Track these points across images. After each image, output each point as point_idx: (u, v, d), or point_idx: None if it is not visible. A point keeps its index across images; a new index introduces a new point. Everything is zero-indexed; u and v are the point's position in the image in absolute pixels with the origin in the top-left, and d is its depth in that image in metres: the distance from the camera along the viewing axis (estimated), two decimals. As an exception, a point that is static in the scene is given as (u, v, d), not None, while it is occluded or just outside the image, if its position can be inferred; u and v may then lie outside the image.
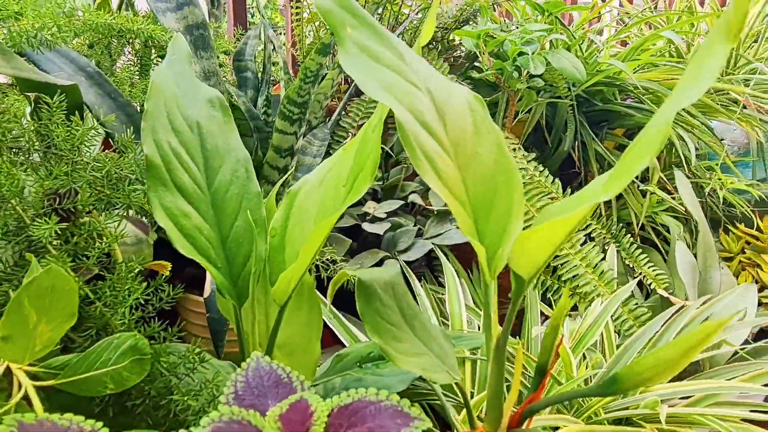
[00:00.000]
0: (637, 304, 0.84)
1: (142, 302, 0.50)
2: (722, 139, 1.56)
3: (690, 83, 0.28)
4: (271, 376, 0.39)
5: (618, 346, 0.78)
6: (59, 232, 0.50)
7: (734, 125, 1.41)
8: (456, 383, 0.43)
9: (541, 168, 1.08)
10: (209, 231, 0.50)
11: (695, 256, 1.11)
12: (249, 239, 0.51)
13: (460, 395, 0.48)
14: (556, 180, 1.08)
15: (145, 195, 0.54)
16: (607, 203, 1.33)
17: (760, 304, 1.34)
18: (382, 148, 1.08)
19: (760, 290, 1.34)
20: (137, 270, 0.55)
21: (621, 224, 1.11)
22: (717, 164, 1.31)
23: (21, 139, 0.55)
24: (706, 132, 1.29)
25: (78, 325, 0.52)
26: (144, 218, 0.63)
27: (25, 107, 0.66)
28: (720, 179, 1.28)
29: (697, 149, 1.46)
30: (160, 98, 0.49)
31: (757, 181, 1.51)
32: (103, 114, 0.70)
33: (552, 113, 1.34)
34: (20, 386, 0.38)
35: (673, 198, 1.26)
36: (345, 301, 0.72)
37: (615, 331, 0.81)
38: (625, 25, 1.51)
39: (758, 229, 1.37)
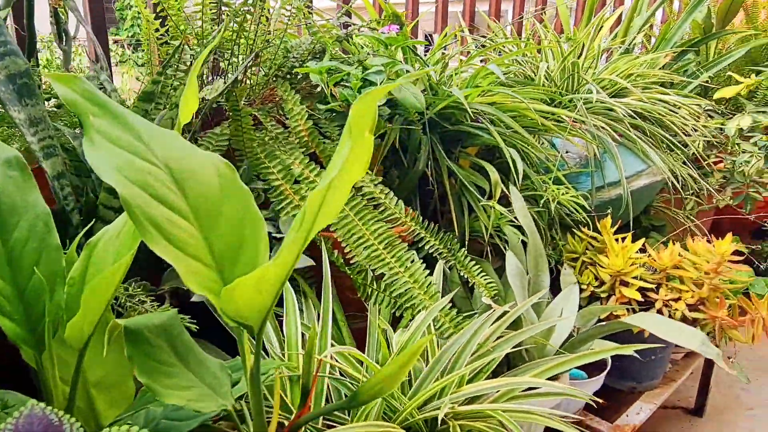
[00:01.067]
0: (458, 312, 0.95)
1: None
2: (567, 152, 1.75)
3: (330, 173, 0.37)
4: (42, 422, 0.44)
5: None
6: None
7: (578, 140, 1.58)
8: (226, 409, 0.50)
9: (386, 191, 1.18)
10: (3, 285, 0.53)
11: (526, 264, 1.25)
12: (44, 292, 0.55)
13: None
14: (400, 201, 1.18)
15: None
16: (461, 216, 1.46)
17: (595, 299, 1.52)
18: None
19: (599, 286, 1.52)
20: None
21: (452, 237, 1.23)
22: (550, 177, 1.47)
23: None
24: (537, 148, 1.45)
25: None
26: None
27: None
28: (553, 191, 1.44)
29: (544, 163, 1.63)
30: (-53, 165, 0.52)
31: (597, 188, 1.70)
32: None
33: (407, 135, 1.46)
34: None
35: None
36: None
37: (437, 338, 0.92)
38: (471, 53, 1.65)
39: (597, 231, 1.55)
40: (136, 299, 0.68)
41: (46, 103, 0.81)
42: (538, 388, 0.88)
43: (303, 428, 0.52)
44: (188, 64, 1.16)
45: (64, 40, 1.17)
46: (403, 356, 0.46)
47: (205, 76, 1.25)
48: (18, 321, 0.54)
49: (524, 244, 1.35)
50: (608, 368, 1.32)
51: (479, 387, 0.83)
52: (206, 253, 0.44)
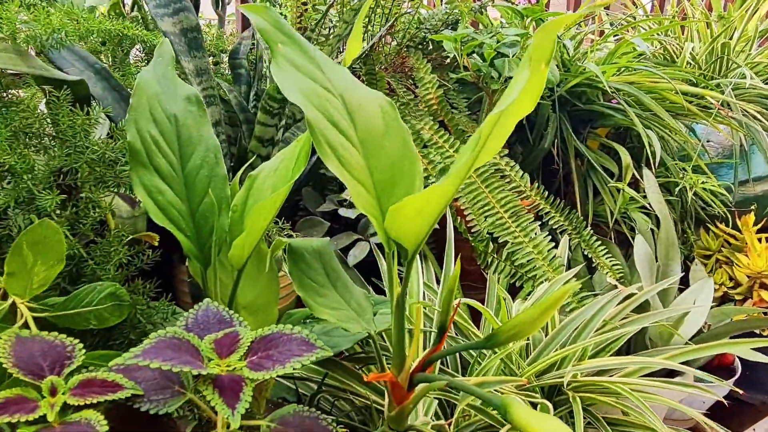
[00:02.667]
0: (582, 288, 0.92)
1: (125, 262, 0.61)
2: (708, 141, 1.62)
3: (505, 99, 0.37)
4: (216, 316, 0.49)
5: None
6: (61, 203, 0.61)
7: (722, 128, 1.46)
8: (369, 334, 0.53)
9: (512, 164, 1.16)
10: (181, 206, 0.60)
11: (655, 251, 1.18)
12: (214, 214, 0.61)
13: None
14: (525, 174, 1.16)
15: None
16: (585, 198, 1.41)
17: (728, 301, 1.41)
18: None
19: (734, 287, 1.41)
20: (128, 238, 0.66)
21: (586, 215, 1.19)
22: (689, 166, 1.37)
23: (34, 125, 0.66)
24: (680, 133, 1.36)
25: (74, 281, 0.63)
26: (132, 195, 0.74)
27: (41, 98, 0.77)
28: (691, 179, 1.35)
29: (681, 151, 1.52)
30: (143, 95, 0.60)
31: (739, 182, 1.56)
32: (110, 104, 0.81)
33: (534, 112, 1.42)
34: (22, 316, 0.49)
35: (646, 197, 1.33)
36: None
37: (559, 312, 0.90)
38: (608, 32, 1.57)
39: (736, 229, 1.43)
40: (285, 233, 0.73)
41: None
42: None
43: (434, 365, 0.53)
44: (329, 30, 1.22)
45: (220, 5, 1.27)
46: (545, 301, 0.46)
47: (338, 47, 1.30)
48: (190, 238, 0.61)
49: (652, 233, 1.27)
50: (737, 376, 1.22)
51: (603, 362, 0.80)
52: (368, 180, 0.47)
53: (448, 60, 1.42)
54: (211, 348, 0.43)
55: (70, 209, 0.64)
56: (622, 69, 1.40)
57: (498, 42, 1.16)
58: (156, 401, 0.43)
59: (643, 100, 1.34)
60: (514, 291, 1.05)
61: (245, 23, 1.43)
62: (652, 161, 1.25)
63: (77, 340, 0.44)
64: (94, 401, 0.39)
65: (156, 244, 0.75)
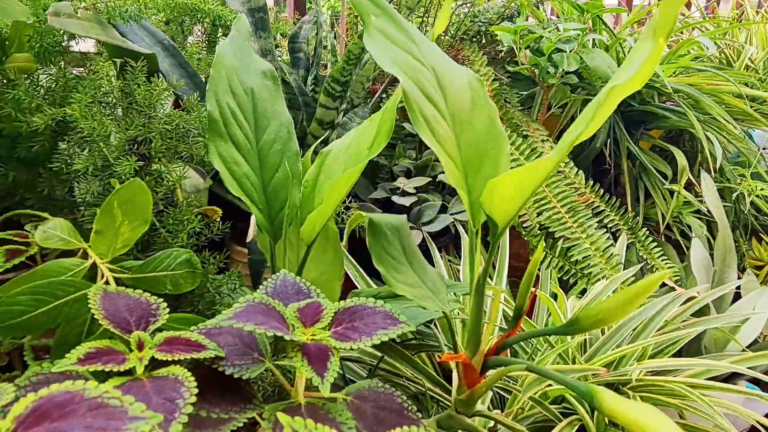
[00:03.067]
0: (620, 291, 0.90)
1: (197, 231, 0.61)
2: (765, 148, 1.57)
3: (623, 72, 0.36)
4: (294, 287, 0.49)
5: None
6: (135, 170, 0.62)
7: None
8: (444, 313, 0.52)
9: (567, 159, 1.14)
10: (254, 178, 0.60)
11: (712, 256, 1.15)
12: (286, 188, 0.61)
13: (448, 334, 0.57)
14: (580, 171, 1.14)
15: (205, 147, 0.66)
16: (636, 201, 1.38)
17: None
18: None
19: (787, 300, 1.36)
20: (198, 209, 0.67)
21: (636, 216, 1.16)
22: (749, 172, 1.33)
23: (109, 95, 0.67)
24: (739, 138, 1.32)
25: (146, 249, 0.64)
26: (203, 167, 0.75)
27: (111, 70, 0.79)
28: (749, 185, 1.30)
29: (738, 156, 1.48)
30: (222, 68, 0.60)
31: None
32: (175, 80, 0.82)
33: (587, 110, 1.39)
34: (102, 277, 0.49)
35: (701, 201, 1.29)
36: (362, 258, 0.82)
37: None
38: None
39: (791, 241, 1.38)
40: (351, 211, 0.73)
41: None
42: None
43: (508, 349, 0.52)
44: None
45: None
46: (633, 289, 0.45)
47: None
48: (262, 210, 0.61)
49: (707, 239, 1.24)
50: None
51: (666, 362, 0.78)
52: (457, 154, 0.46)
53: (502, 54, 1.40)
54: (295, 316, 0.43)
55: (143, 178, 0.64)
56: (678, 70, 1.36)
57: (558, 36, 1.14)
58: (239, 366, 0.43)
59: (702, 103, 1.31)
60: (563, 287, 1.03)
61: (298, 8, 1.43)
62: (711, 165, 1.22)
63: (161, 299, 0.45)
64: (180, 358, 0.39)
65: (218, 219, 0.76)
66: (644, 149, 1.43)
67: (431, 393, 0.71)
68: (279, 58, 1.13)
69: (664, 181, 1.31)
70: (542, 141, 1.18)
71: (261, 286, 0.48)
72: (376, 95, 1.10)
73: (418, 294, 0.50)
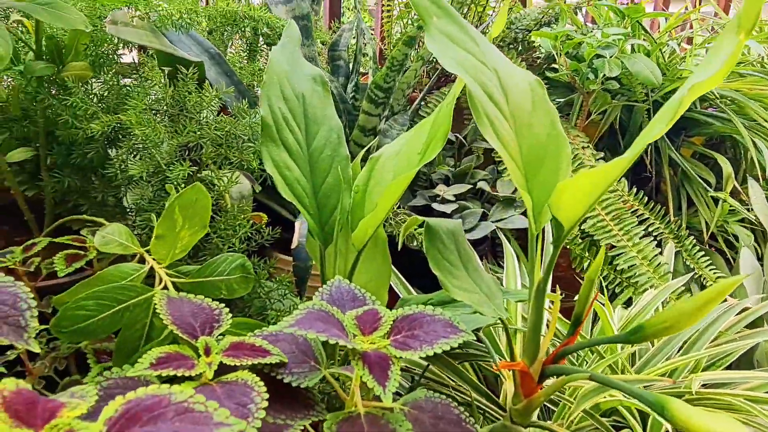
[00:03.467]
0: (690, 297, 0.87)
1: (248, 236, 0.61)
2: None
3: (704, 68, 0.35)
4: (350, 293, 0.49)
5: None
6: (189, 175, 0.62)
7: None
8: (501, 319, 0.51)
9: (609, 166, 1.12)
10: (305, 183, 0.60)
11: (762, 265, 1.11)
12: (336, 193, 0.61)
13: (504, 340, 0.56)
14: (623, 179, 1.11)
15: (255, 153, 0.66)
16: (678, 209, 1.34)
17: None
18: (456, 137, 1.16)
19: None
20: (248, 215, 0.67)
21: (681, 224, 1.14)
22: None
23: (161, 102, 0.68)
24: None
25: (195, 254, 0.65)
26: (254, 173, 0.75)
27: (162, 78, 0.80)
28: (799, 193, 1.26)
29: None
30: (275, 73, 0.60)
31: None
32: (224, 87, 0.83)
33: (627, 117, 1.37)
34: (161, 281, 0.50)
35: (748, 210, 1.26)
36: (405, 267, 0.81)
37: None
38: (713, 34, 1.50)
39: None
40: (399, 217, 0.72)
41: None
42: None
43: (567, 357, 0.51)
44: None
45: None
46: (705, 294, 0.43)
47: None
48: (313, 215, 0.61)
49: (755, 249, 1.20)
50: None
51: (720, 375, 0.75)
52: (518, 155, 0.45)
53: (539, 61, 1.39)
54: (354, 323, 0.43)
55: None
56: (730, 75, 1.33)
57: (599, 41, 1.12)
58: (298, 374, 0.43)
59: (747, 108, 1.27)
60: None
61: (333, 16, 1.44)
62: (759, 173, 1.18)
63: (223, 304, 0.45)
64: (248, 363, 0.39)
65: (264, 225, 0.76)
66: (686, 156, 1.39)
67: (478, 404, 0.70)
68: (320, 66, 1.13)
69: (708, 188, 1.28)
70: (582, 148, 1.16)
71: (317, 293, 0.47)
72: (415, 102, 1.10)
73: (474, 300, 0.49)
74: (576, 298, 0.49)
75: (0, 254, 0.60)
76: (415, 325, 0.43)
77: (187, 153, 0.67)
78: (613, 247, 0.95)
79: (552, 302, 0.53)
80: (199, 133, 0.66)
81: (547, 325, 0.77)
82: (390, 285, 0.87)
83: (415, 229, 0.76)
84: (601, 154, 1.16)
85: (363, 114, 0.88)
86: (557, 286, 1.08)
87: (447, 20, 0.45)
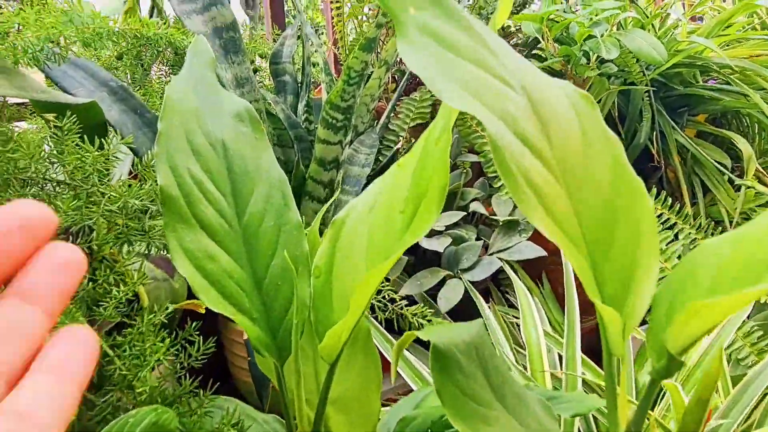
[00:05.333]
0: (753, 327, 0.70)
1: (175, 353, 0.42)
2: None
3: None
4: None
5: (733, 380, 0.65)
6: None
7: None
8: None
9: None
10: (240, 274, 0.41)
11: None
12: (289, 283, 0.41)
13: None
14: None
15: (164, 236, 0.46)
16: (692, 200, 1.18)
17: None
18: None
19: None
20: (168, 314, 0.47)
21: (710, 219, 0.97)
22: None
23: (28, 170, 0.48)
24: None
25: (98, 387, 0.45)
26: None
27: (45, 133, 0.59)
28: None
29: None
30: (176, 115, 0.41)
31: None
32: (126, 132, 0.63)
33: (625, 101, 1.20)
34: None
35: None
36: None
37: (727, 360, 0.68)
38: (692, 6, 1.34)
39: None
40: (382, 295, 0.53)
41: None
42: None
43: None
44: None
45: (251, 4, 1.09)
46: None
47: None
48: (257, 320, 0.41)
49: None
50: None
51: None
52: (576, 227, 0.27)
53: (518, 48, 1.21)
54: None
55: (84, 285, 0.45)
56: (730, 42, 1.17)
57: (591, 18, 0.95)
58: None
59: (753, 77, 1.11)
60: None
61: (277, 22, 1.24)
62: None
63: None
64: None
65: (203, 312, 0.56)
66: (690, 137, 1.23)
67: None
68: (260, 85, 0.93)
69: (725, 172, 1.12)
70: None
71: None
72: (383, 115, 0.91)
73: (524, 456, 0.30)
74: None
75: None
76: None
77: (71, 239, 0.47)
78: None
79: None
80: (84, 210, 0.45)
81: None
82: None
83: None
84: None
85: (320, 143, 0.69)
86: (589, 333, 0.91)
87: (434, 11, 0.26)
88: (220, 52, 0.68)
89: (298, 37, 0.86)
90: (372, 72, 0.78)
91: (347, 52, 1.09)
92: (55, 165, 0.50)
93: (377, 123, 0.90)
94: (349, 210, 0.44)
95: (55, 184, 0.50)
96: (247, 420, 0.48)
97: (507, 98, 0.25)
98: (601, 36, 1.00)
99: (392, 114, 0.93)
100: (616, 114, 1.18)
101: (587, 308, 0.97)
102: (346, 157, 0.77)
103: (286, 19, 1.30)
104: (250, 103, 0.70)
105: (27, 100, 0.67)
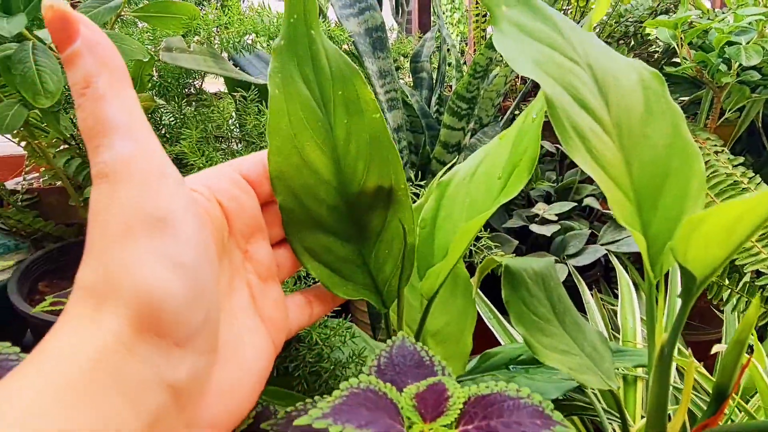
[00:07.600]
0: None
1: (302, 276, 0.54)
2: None
3: None
4: (414, 357, 0.39)
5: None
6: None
7: None
8: (612, 391, 0.39)
9: (751, 174, 0.92)
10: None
11: None
12: (398, 244, 0.52)
13: (617, 410, 0.43)
14: (756, 176, 0.92)
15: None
16: None
17: None
18: (557, 148, 1.02)
19: None
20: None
21: None
22: None
23: (222, 128, 0.64)
24: None
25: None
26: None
27: (228, 104, 0.76)
28: None
29: None
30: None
31: None
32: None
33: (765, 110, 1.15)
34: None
35: None
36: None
37: None
38: None
39: None
40: (482, 242, 0.62)
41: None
42: None
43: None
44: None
45: (400, 12, 1.22)
46: None
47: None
48: (369, 286, 0.52)
49: None
50: None
51: None
52: (626, 180, 0.34)
53: (657, 55, 1.21)
54: (412, 405, 0.33)
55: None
56: None
57: (732, 24, 0.94)
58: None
59: None
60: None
61: (422, 28, 1.37)
62: None
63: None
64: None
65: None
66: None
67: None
68: (401, 80, 1.06)
69: None
70: (715, 153, 0.98)
71: (373, 357, 0.38)
72: (508, 112, 0.98)
73: (573, 365, 0.38)
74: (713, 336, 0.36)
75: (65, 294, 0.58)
76: (492, 412, 0.32)
77: (246, 183, 0.62)
78: (760, 274, 0.76)
79: (692, 371, 0.40)
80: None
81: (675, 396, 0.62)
82: (478, 323, 0.76)
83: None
84: (740, 159, 0.96)
85: (444, 128, 0.79)
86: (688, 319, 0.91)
87: (521, 9, 0.35)
88: (370, 48, 0.81)
89: (437, 39, 0.97)
90: (498, 71, 0.86)
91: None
92: (239, 127, 0.65)
93: (502, 118, 0.98)
94: (454, 172, 0.53)
95: (237, 140, 0.65)
96: (362, 342, 0.59)
97: (571, 72, 0.33)
98: (747, 43, 0.98)
99: (517, 111, 1.00)
100: (761, 125, 1.13)
101: (705, 318, 0.96)
102: (469, 144, 0.86)
103: (433, 26, 1.42)
104: (388, 92, 0.82)
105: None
